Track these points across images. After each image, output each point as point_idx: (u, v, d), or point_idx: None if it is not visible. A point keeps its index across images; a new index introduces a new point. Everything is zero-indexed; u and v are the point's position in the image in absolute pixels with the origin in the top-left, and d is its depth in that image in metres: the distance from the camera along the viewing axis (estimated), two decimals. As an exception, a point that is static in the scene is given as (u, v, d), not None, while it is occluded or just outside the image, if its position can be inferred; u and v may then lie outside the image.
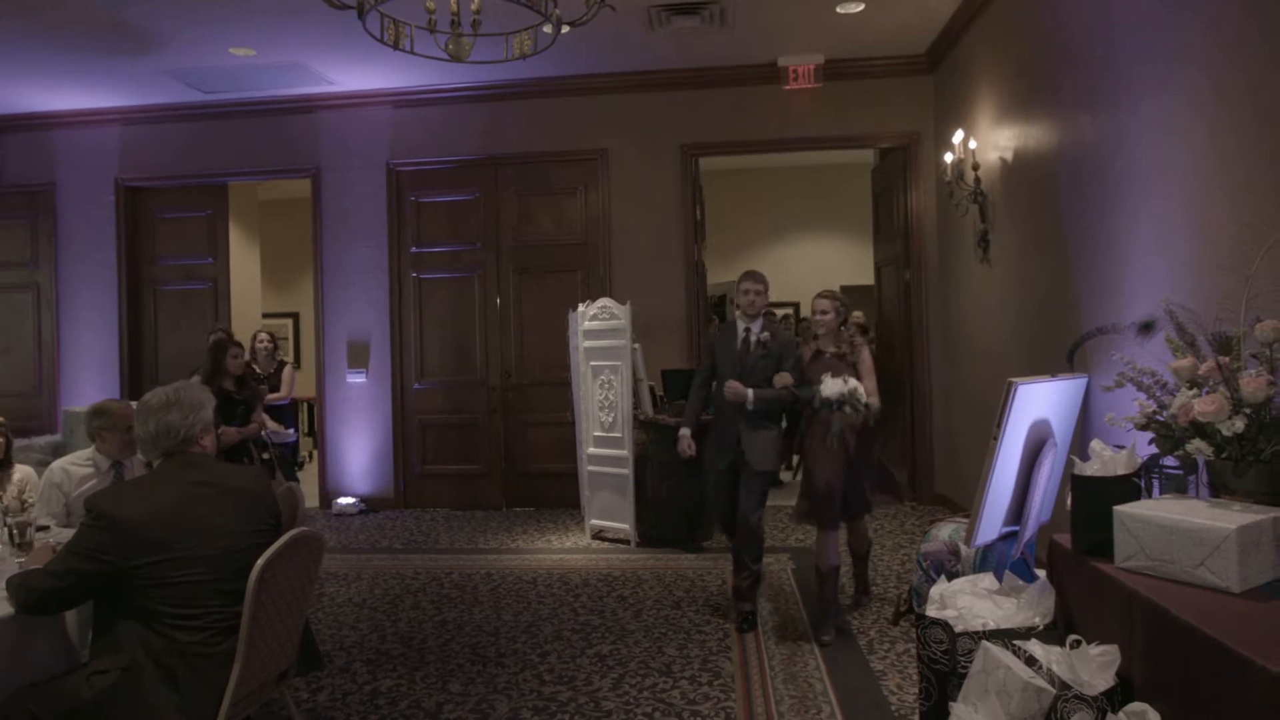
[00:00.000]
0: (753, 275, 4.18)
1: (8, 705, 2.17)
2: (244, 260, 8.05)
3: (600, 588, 4.73)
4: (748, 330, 4.15)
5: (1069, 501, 2.49)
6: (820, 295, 4.09)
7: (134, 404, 3.51)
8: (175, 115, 7.28)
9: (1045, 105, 4.44)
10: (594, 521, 5.95)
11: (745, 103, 6.77)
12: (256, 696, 2.48)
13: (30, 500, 3.41)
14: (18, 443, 5.40)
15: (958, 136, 5.52)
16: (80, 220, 7.49)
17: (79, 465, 3.55)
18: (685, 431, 4.33)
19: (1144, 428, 2.50)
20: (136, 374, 7.45)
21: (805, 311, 9.12)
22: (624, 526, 5.71)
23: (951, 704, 2.36)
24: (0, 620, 2.23)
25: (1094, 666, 2.10)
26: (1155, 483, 2.49)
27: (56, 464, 3.59)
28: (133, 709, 2.17)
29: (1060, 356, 3.86)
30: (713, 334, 4.55)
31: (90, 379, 7.19)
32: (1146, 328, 3.00)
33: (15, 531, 2.75)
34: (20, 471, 3.55)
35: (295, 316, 10.87)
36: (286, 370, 6.65)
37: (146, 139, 7.39)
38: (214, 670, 2.26)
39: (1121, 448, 2.51)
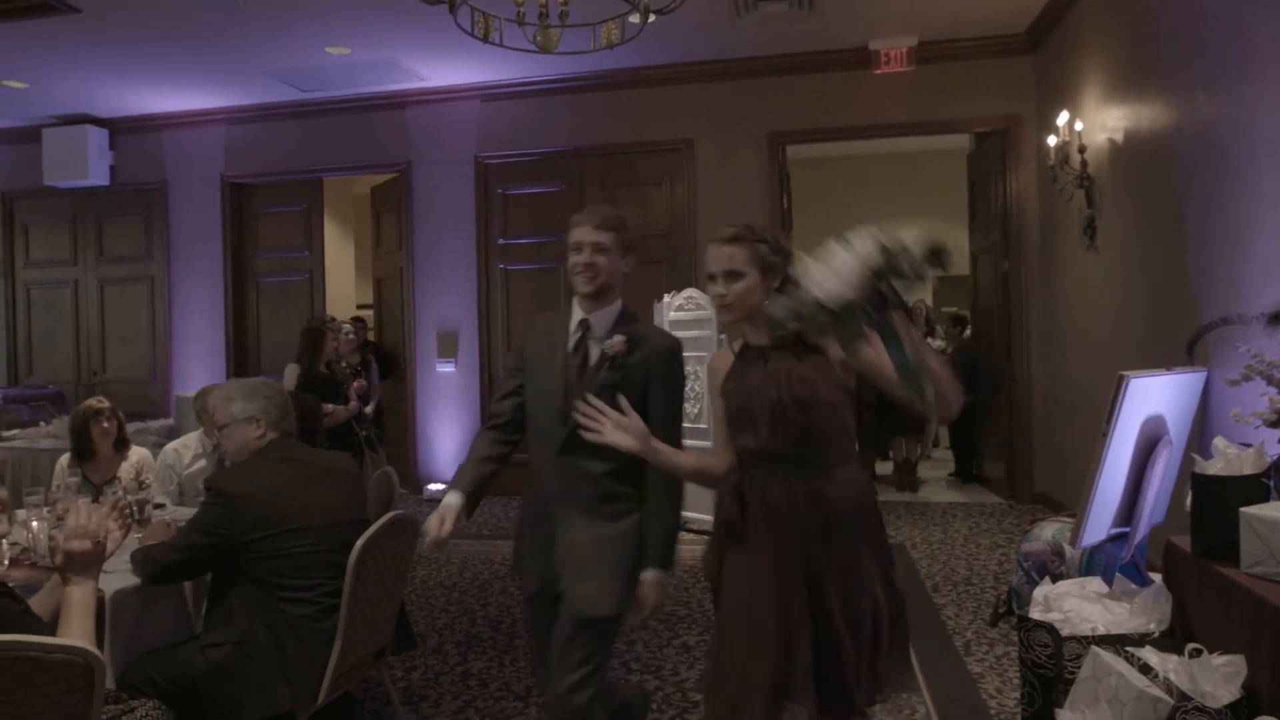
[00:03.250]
0: (589, 216, 2.35)
1: (129, 672, 2.30)
2: (339, 252, 8.32)
3: (685, 578, 4.71)
4: (584, 325, 2.27)
5: (1188, 502, 2.35)
6: (714, 241, 2.02)
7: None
8: (275, 114, 7.57)
9: (1159, 83, 4.19)
10: (678, 512, 5.93)
11: (834, 88, 6.62)
12: (356, 673, 2.57)
13: (147, 480, 3.59)
14: (134, 426, 5.73)
15: (1062, 118, 5.27)
16: (189, 216, 7.87)
17: (188, 448, 3.74)
18: (451, 500, 2.27)
19: (1274, 424, 2.35)
20: (241, 362, 7.80)
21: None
22: (709, 517, 5.67)
23: (1057, 710, 2.26)
24: (124, 591, 2.36)
25: (1217, 677, 1.98)
26: (1287, 484, 2.33)
27: (169, 447, 3.80)
28: (243, 681, 2.27)
29: (1175, 348, 3.64)
30: (530, 325, 2.46)
31: (199, 366, 7.56)
32: (1277, 318, 2.80)
33: (135, 508, 2.90)
34: (137, 453, 3.75)
35: (387, 307, 11.18)
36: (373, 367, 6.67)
37: (249, 137, 7.70)
38: (319, 646, 2.34)
39: (1248, 445, 2.35)
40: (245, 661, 2.28)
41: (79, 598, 1.77)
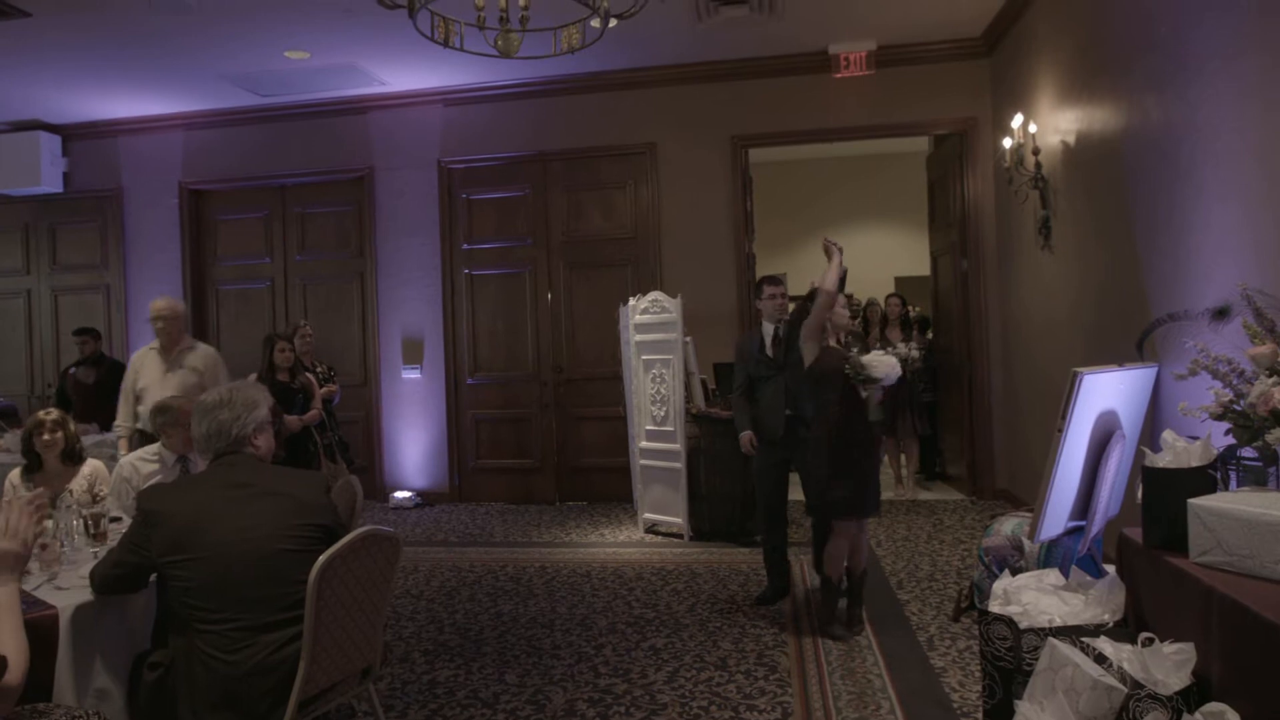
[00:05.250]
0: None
1: (136, 664, 2.37)
2: (301, 259, 8.21)
3: (654, 581, 4.72)
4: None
5: (1139, 495, 2.41)
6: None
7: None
8: (233, 119, 7.47)
9: (1110, 86, 4.29)
10: (647, 515, 5.94)
11: (795, 92, 6.69)
12: (337, 693, 2.45)
13: (101, 493, 3.52)
14: (92, 438, 5.62)
15: (1017, 121, 5.37)
16: (146, 223, 7.73)
17: (146, 460, 3.67)
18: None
19: (1220, 417, 2.41)
20: (201, 372, 7.67)
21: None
22: (677, 520, 5.70)
23: (1017, 702, 2.30)
24: (83, 606, 2.34)
25: (1168, 665, 2.03)
26: (1233, 475, 2.39)
27: (126, 459, 3.72)
28: (167, 710, 2.23)
29: (1127, 345, 3.73)
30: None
31: (157, 377, 7.41)
32: (1221, 313, 2.88)
33: (90, 522, 2.85)
34: (90, 465, 3.67)
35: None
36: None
37: (207, 143, 7.59)
38: (234, 681, 2.18)
39: (1195, 438, 2.41)
40: (168, 691, 2.22)
41: (5, 598, 1.77)
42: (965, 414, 6.69)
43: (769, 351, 4.37)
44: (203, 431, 2.42)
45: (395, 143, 7.28)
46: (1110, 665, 2.11)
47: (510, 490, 7.17)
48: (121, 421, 4.81)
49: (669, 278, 6.77)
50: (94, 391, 6.76)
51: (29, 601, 2.29)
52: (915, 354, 6.58)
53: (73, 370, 6.90)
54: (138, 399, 4.71)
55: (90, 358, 6.89)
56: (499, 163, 7.17)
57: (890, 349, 6.56)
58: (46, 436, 3.50)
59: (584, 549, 5.54)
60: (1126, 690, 2.02)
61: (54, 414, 3.58)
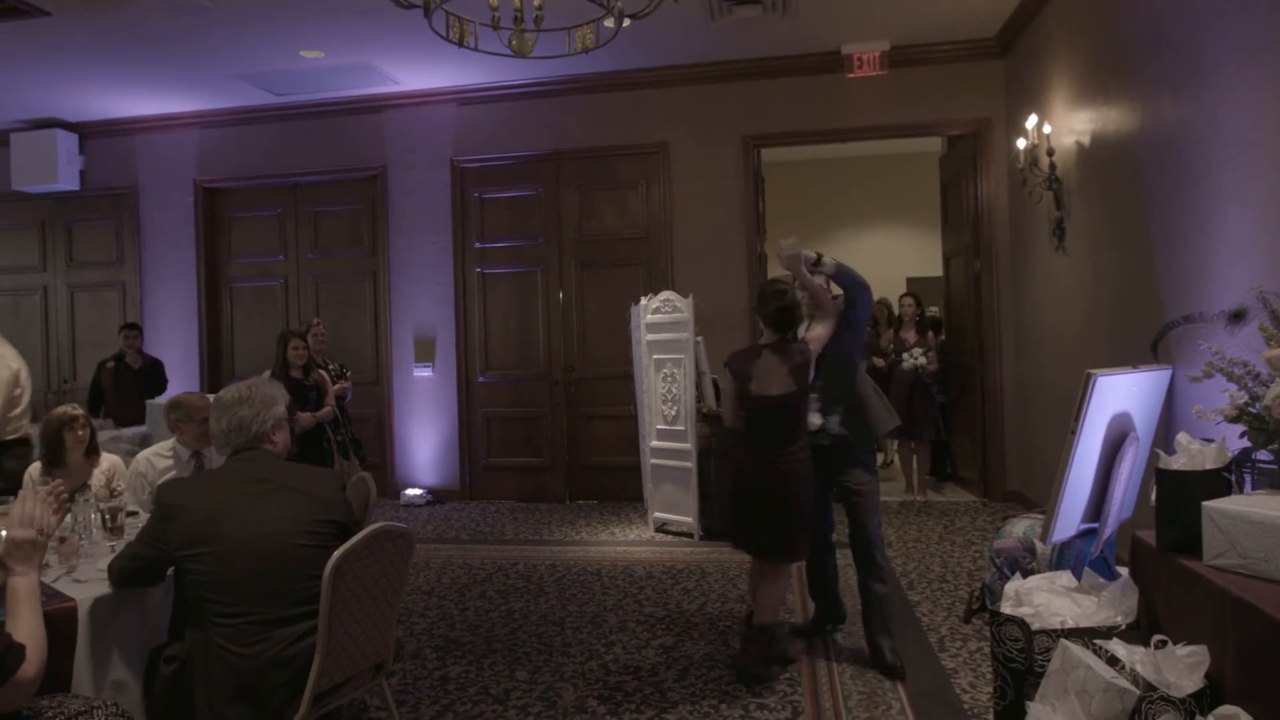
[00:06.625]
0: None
1: (153, 657, 2.39)
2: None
3: (664, 580, 4.73)
4: None
5: (1153, 497, 2.40)
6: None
7: (210, 397, 3.67)
8: (248, 118, 7.51)
9: (1125, 87, 4.27)
10: (657, 514, 5.95)
11: (808, 92, 6.68)
12: (350, 688, 2.46)
13: (119, 488, 3.55)
14: (108, 434, 5.68)
15: (1031, 121, 5.35)
16: (161, 220, 7.79)
17: (161, 456, 3.70)
18: None
19: (1235, 420, 2.40)
20: (215, 368, 7.73)
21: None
22: (687, 520, 5.70)
23: (1028, 703, 2.29)
24: (101, 598, 2.37)
25: (1181, 668, 2.02)
26: (1248, 478, 2.39)
27: (141, 455, 3.76)
28: (183, 702, 2.25)
29: (1141, 347, 3.72)
30: None
31: (172, 373, 7.45)
32: (1237, 316, 2.87)
33: (107, 516, 2.88)
34: (108, 460, 3.70)
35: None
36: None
37: (222, 141, 7.64)
38: (249, 674, 2.19)
39: (1210, 441, 2.40)
40: (185, 684, 2.24)
41: (25, 588, 1.79)
42: (977, 415, 6.66)
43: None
44: (222, 427, 2.45)
45: (408, 141, 7.31)
46: (1123, 667, 2.11)
47: (521, 488, 7.19)
48: None
49: (681, 277, 6.77)
50: (135, 386, 6.78)
51: (47, 594, 2.32)
52: (923, 361, 6.56)
53: (110, 364, 6.90)
54: None
55: (136, 352, 6.96)
56: (512, 162, 7.19)
57: (907, 354, 6.57)
58: (80, 432, 3.54)
59: (594, 547, 5.55)
60: (1139, 692, 2.02)
61: (80, 409, 3.62)
